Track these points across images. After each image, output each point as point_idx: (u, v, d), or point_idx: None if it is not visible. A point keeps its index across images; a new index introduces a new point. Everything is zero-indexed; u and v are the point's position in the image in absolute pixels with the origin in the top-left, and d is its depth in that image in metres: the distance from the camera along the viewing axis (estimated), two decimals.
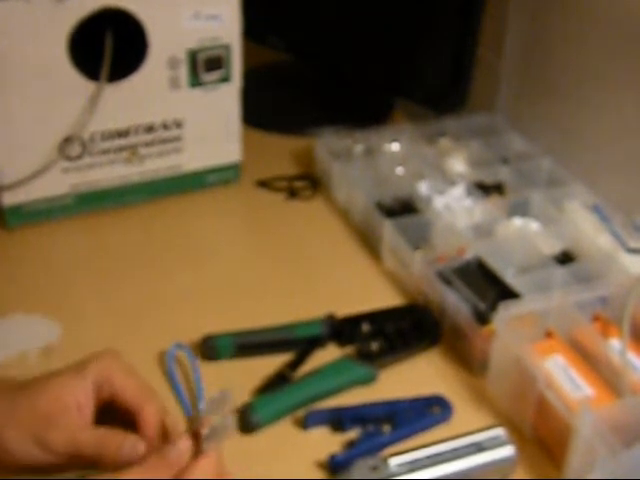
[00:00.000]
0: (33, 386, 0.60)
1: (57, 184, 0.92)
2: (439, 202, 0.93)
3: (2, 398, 0.60)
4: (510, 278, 0.81)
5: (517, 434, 0.69)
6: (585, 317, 0.75)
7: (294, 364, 0.76)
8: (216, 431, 0.56)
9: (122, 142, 0.93)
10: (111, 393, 0.60)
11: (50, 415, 0.59)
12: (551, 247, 0.87)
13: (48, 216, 0.93)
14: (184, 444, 0.56)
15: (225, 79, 0.95)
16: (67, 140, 0.89)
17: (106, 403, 0.60)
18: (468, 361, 0.78)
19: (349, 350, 0.79)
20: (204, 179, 1.00)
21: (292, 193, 1.02)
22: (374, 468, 0.64)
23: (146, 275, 0.88)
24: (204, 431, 0.56)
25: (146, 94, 0.91)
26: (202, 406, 0.64)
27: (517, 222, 0.90)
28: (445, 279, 0.81)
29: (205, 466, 0.56)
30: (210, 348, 0.77)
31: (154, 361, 0.76)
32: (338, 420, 0.70)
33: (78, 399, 0.59)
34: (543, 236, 0.88)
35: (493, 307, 0.74)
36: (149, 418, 0.59)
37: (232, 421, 0.57)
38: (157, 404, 0.60)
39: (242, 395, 0.73)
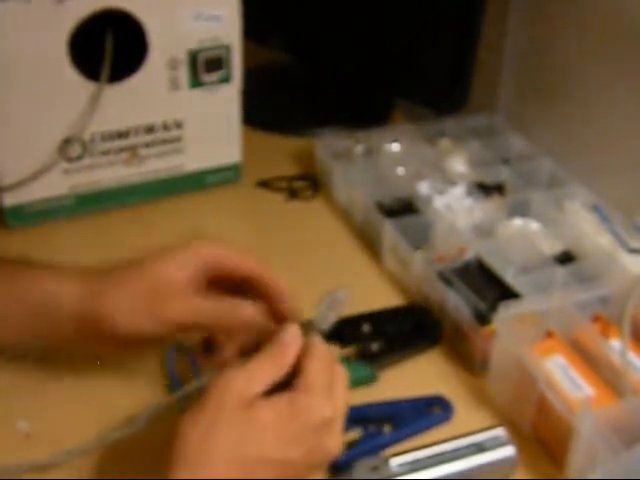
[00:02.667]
0: (142, 262, 0.63)
1: (57, 185, 0.92)
2: (439, 202, 0.93)
3: (112, 274, 0.63)
4: (510, 278, 0.81)
5: (518, 434, 0.69)
6: (585, 317, 0.75)
7: None
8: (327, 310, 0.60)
9: (122, 143, 0.93)
10: (227, 266, 0.63)
11: (162, 287, 0.61)
12: (551, 247, 0.87)
13: (48, 217, 0.93)
14: (293, 328, 0.58)
15: (225, 80, 0.95)
16: (67, 141, 0.89)
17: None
18: (468, 361, 0.78)
19: (349, 350, 0.78)
20: (204, 180, 1.00)
21: (292, 193, 1.02)
22: (375, 468, 0.64)
23: None
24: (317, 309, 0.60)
25: (146, 95, 0.91)
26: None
27: (517, 222, 0.90)
28: (445, 279, 0.81)
29: (317, 345, 0.58)
30: (210, 348, 0.77)
31: (154, 361, 0.76)
32: None
33: (189, 273, 0.62)
34: (543, 236, 0.88)
35: (493, 307, 0.74)
36: (273, 281, 0.63)
37: (344, 294, 0.61)
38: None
39: None
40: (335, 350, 0.60)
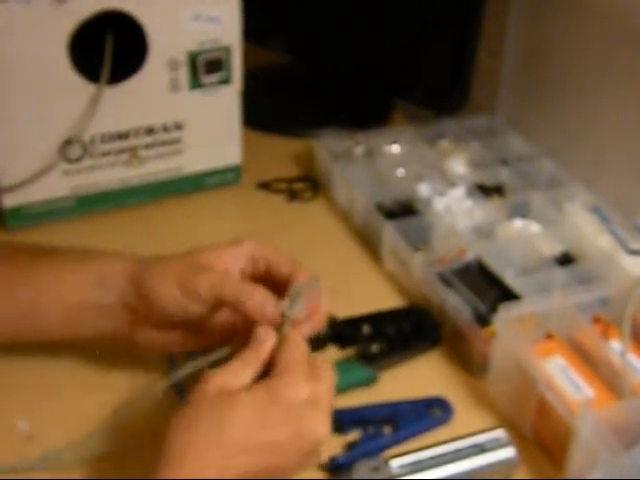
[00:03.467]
0: (190, 252, 0.67)
1: (57, 186, 0.92)
2: (439, 204, 0.93)
3: (164, 258, 0.67)
4: (510, 279, 0.81)
5: (518, 435, 0.69)
6: (585, 318, 0.75)
7: None
8: (294, 299, 0.63)
9: (122, 144, 0.93)
10: (266, 266, 0.67)
11: (198, 266, 0.65)
12: (551, 248, 0.87)
13: (48, 218, 0.93)
14: (267, 334, 0.61)
15: (225, 81, 0.95)
16: (67, 142, 0.89)
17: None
18: (468, 362, 0.78)
19: (350, 352, 0.79)
20: (204, 181, 1.00)
21: (292, 195, 1.02)
22: (375, 469, 0.64)
23: None
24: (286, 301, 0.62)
25: (146, 96, 0.91)
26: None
27: (517, 223, 0.90)
28: (445, 281, 0.81)
29: (293, 336, 0.61)
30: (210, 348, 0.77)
31: (154, 361, 0.76)
32: (338, 422, 0.70)
33: (240, 265, 0.67)
34: (543, 237, 0.88)
35: (493, 308, 0.74)
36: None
37: (313, 284, 0.64)
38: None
39: None
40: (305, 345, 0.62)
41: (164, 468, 0.53)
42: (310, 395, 0.57)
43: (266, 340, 0.60)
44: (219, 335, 0.67)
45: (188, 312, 0.65)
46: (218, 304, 0.64)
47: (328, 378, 0.60)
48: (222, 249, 0.68)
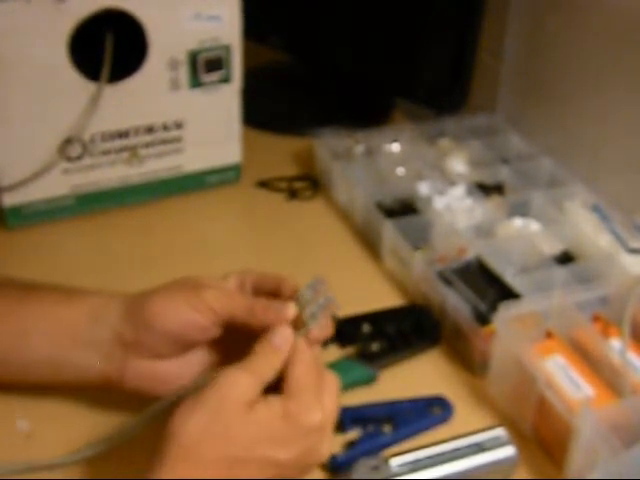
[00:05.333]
0: (184, 279, 0.66)
1: (57, 185, 0.92)
2: (439, 202, 0.93)
3: (154, 291, 0.65)
4: (510, 278, 0.81)
5: (518, 434, 0.69)
6: (585, 317, 0.75)
7: None
8: (315, 313, 0.61)
9: (122, 143, 0.93)
10: (253, 288, 0.66)
11: (199, 285, 0.64)
12: (551, 247, 0.87)
13: (48, 217, 0.93)
14: (285, 329, 0.60)
15: (225, 80, 0.95)
16: (67, 141, 0.89)
17: None
18: (468, 361, 0.78)
19: (349, 350, 0.79)
20: (204, 180, 1.00)
21: (292, 193, 1.02)
22: (375, 468, 0.64)
23: (147, 276, 0.87)
24: (304, 313, 0.61)
25: (146, 95, 0.91)
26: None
27: (517, 222, 0.90)
28: (445, 279, 0.81)
29: (302, 347, 0.59)
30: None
31: None
32: (338, 420, 0.70)
33: (234, 283, 0.66)
34: (543, 236, 0.88)
35: (493, 307, 0.74)
36: (290, 285, 0.65)
37: (331, 299, 0.62)
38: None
39: None
40: (321, 354, 0.61)
41: (164, 464, 0.53)
42: (320, 419, 0.57)
43: (284, 345, 0.59)
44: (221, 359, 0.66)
45: (199, 328, 0.63)
46: (226, 321, 0.63)
47: (334, 394, 0.59)
48: (213, 280, 0.66)
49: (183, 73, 0.92)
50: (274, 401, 0.56)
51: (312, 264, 0.91)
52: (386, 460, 0.64)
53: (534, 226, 0.90)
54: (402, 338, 0.78)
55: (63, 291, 0.69)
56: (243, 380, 0.56)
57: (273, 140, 1.13)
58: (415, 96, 1.10)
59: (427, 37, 1.05)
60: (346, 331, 0.79)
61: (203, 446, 0.53)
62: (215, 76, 0.94)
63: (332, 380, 0.60)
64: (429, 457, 0.65)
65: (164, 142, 0.95)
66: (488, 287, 0.80)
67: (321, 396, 0.58)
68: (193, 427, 0.54)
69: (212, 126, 0.97)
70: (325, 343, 0.78)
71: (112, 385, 0.66)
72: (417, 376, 0.77)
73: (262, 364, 0.58)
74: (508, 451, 0.66)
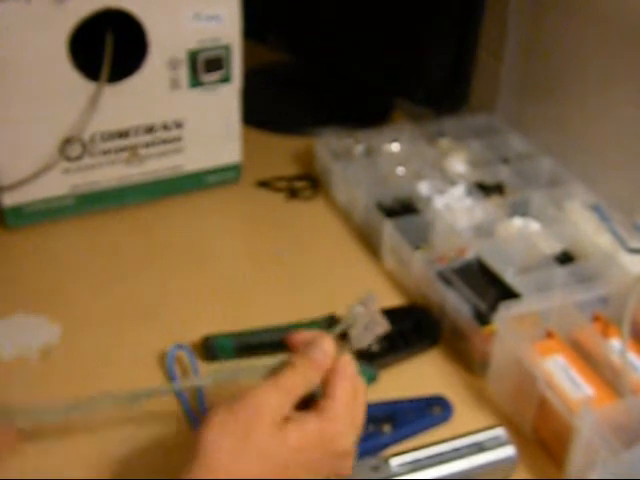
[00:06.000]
0: None
1: (57, 185, 0.92)
2: (439, 202, 0.93)
3: None
4: (510, 278, 0.81)
5: (517, 434, 0.69)
6: (585, 317, 0.75)
7: None
8: (363, 330, 0.60)
9: (122, 143, 0.93)
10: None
11: None
12: (551, 247, 0.87)
13: (48, 217, 0.93)
14: (328, 344, 0.58)
15: (225, 79, 0.95)
16: (67, 141, 0.89)
17: None
18: (468, 361, 0.78)
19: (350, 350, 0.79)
20: (204, 179, 1.00)
21: (292, 193, 1.02)
22: (375, 468, 0.64)
23: (146, 275, 0.88)
24: (352, 331, 0.59)
25: (146, 95, 0.91)
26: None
27: (517, 222, 0.90)
28: (445, 279, 0.81)
29: (347, 365, 0.58)
30: (210, 348, 0.77)
31: (155, 361, 0.77)
32: None
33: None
34: (543, 236, 0.88)
35: (493, 307, 0.74)
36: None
37: (378, 317, 0.60)
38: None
39: None
40: (357, 367, 0.60)
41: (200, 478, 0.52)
42: (353, 443, 0.57)
43: (325, 359, 0.58)
44: None
45: None
46: None
47: (364, 412, 0.58)
48: None
49: (183, 73, 0.92)
50: (309, 421, 0.55)
51: (312, 264, 0.91)
52: (386, 460, 0.64)
53: (534, 226, 0.90)
54: (402, 338, 0.78)
55: None
56: (274, 396, 0.55)
57: (273, 140, 1.13)
58: (415, 96, 1.10)
59: (427, 37, 1.05)
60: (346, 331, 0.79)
61: (240, 464, 0.52)
62: (215, 76, 0.94)
63: (364, 395, 0.59)
64: (429, 457, 0.65)
65: (164, 142, 0.95)
66: (488, 287, 0.80)
67: (356, 419, 0.57)
68: (227, 442, 0.53)
69: (212, 126, 0.97)
70: None
71: None
72: (417, 376, 0.77)
73: (297, 379, 0.57)
74: (508, 451, 0.66)
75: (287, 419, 0.55)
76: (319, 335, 0.59)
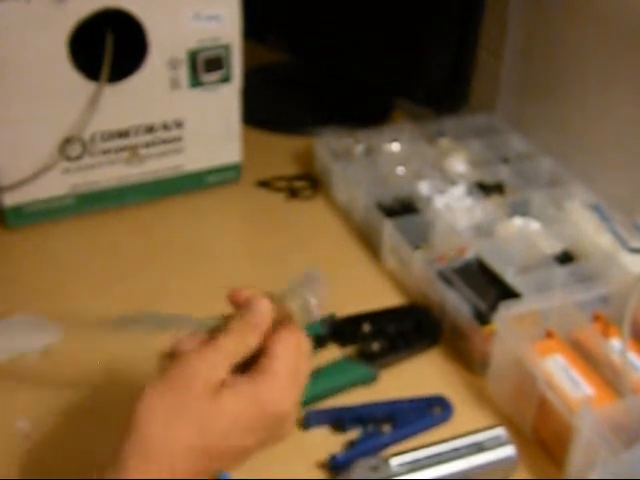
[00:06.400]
0: None
1: (57, 184, 0.92)
2: (439, 202, 0.93)
3: None
4: (510, 278, 0.81)
5: (518, 434, 0.69)
6: (585, 317, 0.75)
7: None
8: (299, 310, 0.58)
9: (122, 142, 0.93)
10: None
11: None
12: (551, 247, 0.87)
13: (48, 216, 0.93)
14: (263, 305, 0.56)
15: (225, 79, 0.95)
16: (67, 140, 0.89)
17: None
18: (469, 361, 0.78)
19: (350, 350, 0.79)
20: (204, 179, 1.00)
21: (292, 193, 1.02)
22: (375, 468, 0.64)
23: (146, 275, 0.88)
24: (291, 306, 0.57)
25: (146, 94, 0.91)
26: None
27: (517, 222, 0.90)
28: (445, 279, 0.81)
29: (289, 323, 0.56)
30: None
31: (154, 361, 0.76)
32: (339, 420, 0.70)
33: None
34: (543, 236, 0.88)
35: (493, 307, 0.74)
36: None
37: (310, 304, 0.58)
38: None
39: None
40: (307, 339, 0.58)
41: (135, 461, 0.50)
42: (290, 407, 0.54)
43: (262, 322, 0.56)
44: None
45: None
46: None
47: (307, 377, 0.56)
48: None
49: (183, 72, 0.92)
50: (242, 384, 0.53)
51: (312, 263, 0.91)
52: (386, 460, 0.64)
53: (534, 225, 0.90)
54: (402, 338, 0.78)
55: None
56: (205, 362, 0.53)
57: (273, 139, 1.13)
58: (415, 96, 1.10)
59: (427, 37, 1.05)
60: (346, 331, 0.79)
61: (175, 440, 0.51)
62: (215, 76, 0.94)
63: (308, 361, 0.57)
64: (429, 457, 0.65)
65: (164, 142, 0.95)
66: (488, 286, 0.80)
67: (298, 377, 0.55)
68: (160, 418, 0.51)
69: (212, 125, 0.97)
70: (325, 341, 0.79)
71: None
72: (417, 376, 0.77)
73: (233, 343, 0.55)
74: (508, 451, 0.66)
75: (223, 384, 0.53)
76: (255, 297, 0.57)
